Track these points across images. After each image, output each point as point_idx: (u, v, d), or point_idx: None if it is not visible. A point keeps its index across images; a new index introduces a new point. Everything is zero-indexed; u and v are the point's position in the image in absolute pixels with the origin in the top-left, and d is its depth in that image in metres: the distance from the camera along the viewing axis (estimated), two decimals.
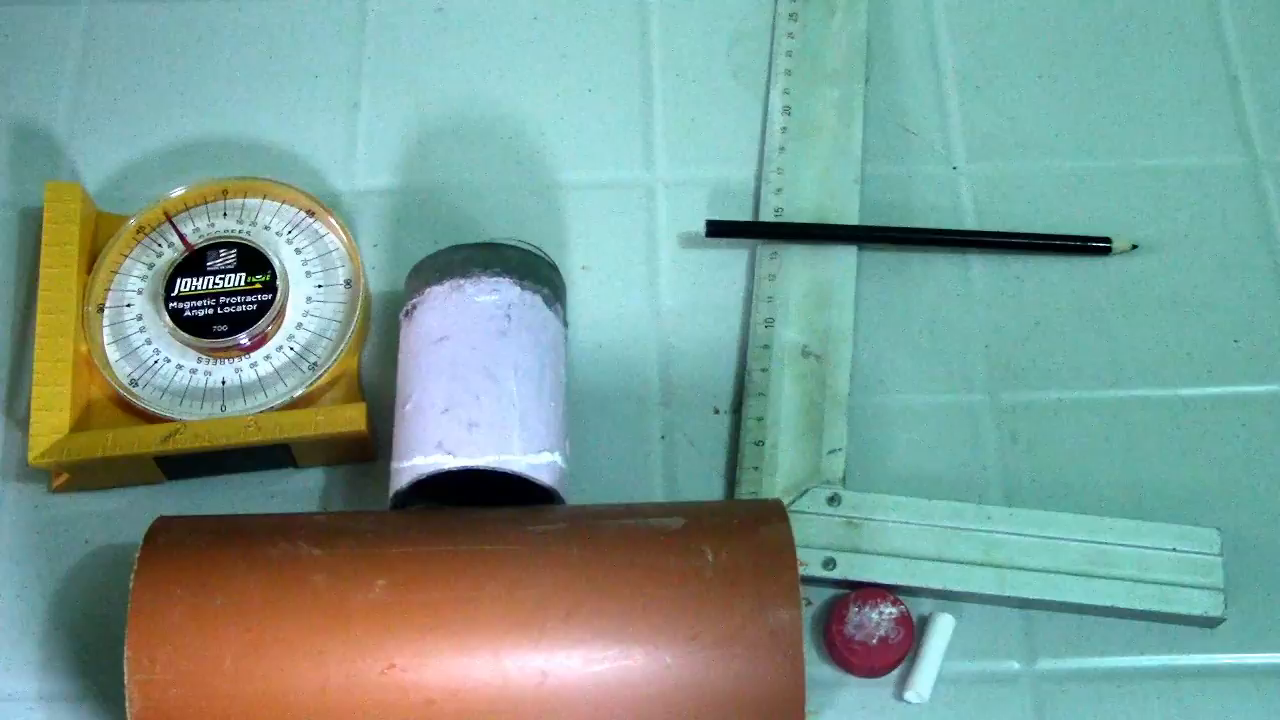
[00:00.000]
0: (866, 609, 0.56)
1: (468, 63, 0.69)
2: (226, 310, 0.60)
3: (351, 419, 0.57)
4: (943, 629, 0.56)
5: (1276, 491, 0.60)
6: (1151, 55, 0.70)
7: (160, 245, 0.62)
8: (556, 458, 0.54)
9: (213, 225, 0.62)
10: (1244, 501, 0.59)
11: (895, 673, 0.56)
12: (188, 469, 0.59)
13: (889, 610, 0.56)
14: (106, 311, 0.61)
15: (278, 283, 0.60)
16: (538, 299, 0.56)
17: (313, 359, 0.60)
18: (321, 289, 0.61)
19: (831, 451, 0.59)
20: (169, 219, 0.62)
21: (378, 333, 0.63)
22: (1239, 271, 0.64)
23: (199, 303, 0.60)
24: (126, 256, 0.62)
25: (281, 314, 0.60)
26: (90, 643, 0.57)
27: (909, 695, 0.55)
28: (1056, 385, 0.62)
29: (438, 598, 0.49)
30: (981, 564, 0.57)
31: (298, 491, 0.60)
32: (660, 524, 0.52)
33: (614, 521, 0.52)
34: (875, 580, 0.56)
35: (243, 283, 0.60)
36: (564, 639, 0.49)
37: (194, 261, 0.61)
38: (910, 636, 0.55)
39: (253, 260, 0.61)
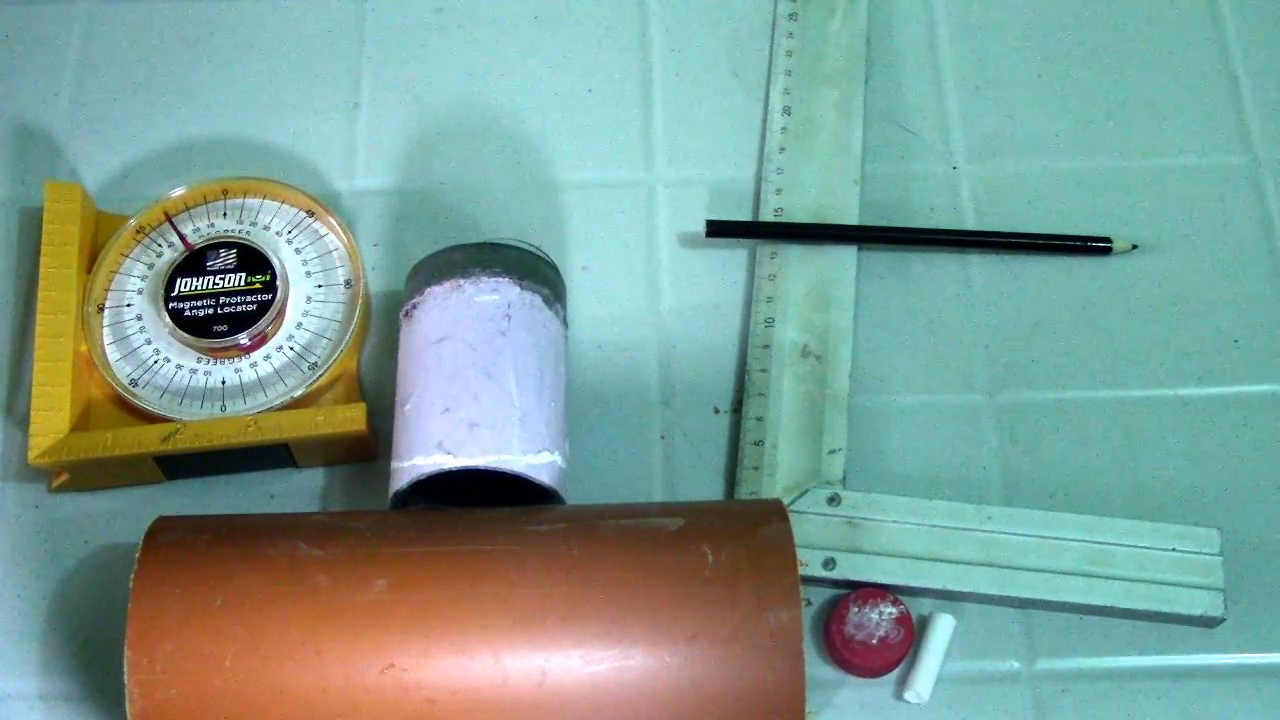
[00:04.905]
0: (866, 609, 0.56)
1: (468, 63, 0.69)
2: (226, 310, 0.60)
3: (351, 419, 0.57)
4: (943, 629, 0.56)
5: (1276, 491, 0.60)
6: (1151, 55, 0.70)
7: (160, 245, 0.62)
8: (556, 458, 0.54)
9: (213, 225, 0.62)
10: (1244, 501, 0.59)
11: (895, 673, 0.56)
12: (188, 469, 0.59)
13: (889, 610, 0.56)
14: (106, 311, 0.61)
15: (278, 283, 0.60)
16: (538, 299, 0.56)
17: (313, 359, 0.60)
18: (321, 289, 0.61)
19: (831, 451, 0.59)
20: (169, 219, 0.62)
21: (378, 333, 0.63)
22: (1239, 271, 0.64)
23: (199, 303, 0.60)
24: (126, 256, 0.62)
25: (281, 314, 0.60)
26: (90, 643, 0.57)
27: (909, 695, 0.55)
28: (1056, 385, 0.62)
29: (438, 598, 0.49)
30: (981, 564, 0.57)
31: (298, 491, 0.60)
32: (660, 524, 0.52)
33: (614, 521, 0.52)
34: (875, 580, 0.56)
35: (243, 283, 0.60)
36: (563, 639, 0.49)
37: (194, 261, 0.61)
38: (910, 636, 0.55)
39: (253, 260, 0.61)
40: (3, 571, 0.58)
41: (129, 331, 0.60)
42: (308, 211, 0.63)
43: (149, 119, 0.68)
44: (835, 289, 0.63)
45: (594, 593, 0.50)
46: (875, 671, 0.56)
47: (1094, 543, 0.57)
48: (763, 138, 0.67)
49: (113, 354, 0.60)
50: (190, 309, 0.60)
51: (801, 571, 0.52)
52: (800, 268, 0.63)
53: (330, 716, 0.49)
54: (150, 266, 0.62)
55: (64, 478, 0.58)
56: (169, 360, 0.60)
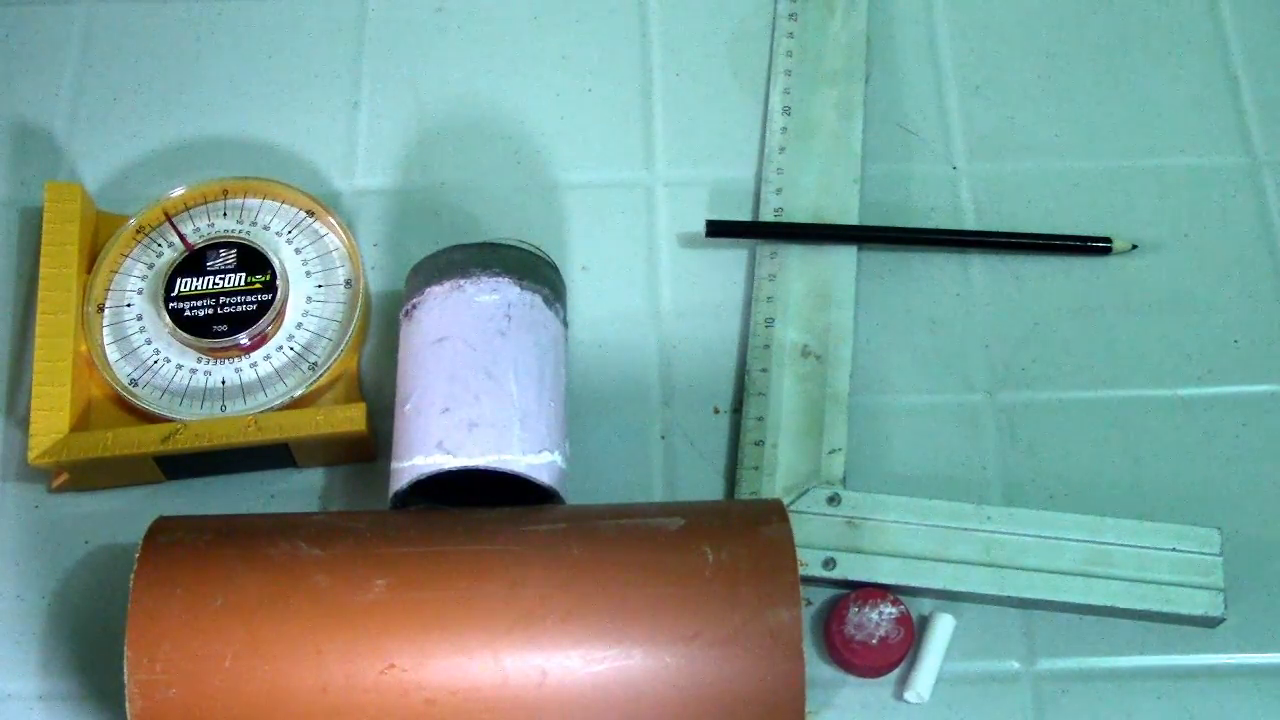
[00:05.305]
0: (866, 609, 0.56)
1: (468, 63, 0.69)
2: (226, 310, 0.60)
3: (351, 419, 0.57)
4: (943, 629, 0.56)
5: (1276, 491, 0.60)
6: (1151, 55, 0.70)
7: (160, 245, 0.62)
8: (556, 458, 0.54)
9: (213, 225, 0.62)
10: (1244, 501, 0.59)
11: (895, 673, 0.56)
12: (188, 469, 0.59)
13: (889, 610, 0.56)
14: (106, 311, 0.61)
15: (278, 283, 0.60)
16: (538, 299, 0.56)
17: (313, 359, 0.60)
18: (321, 289, 0.61)
19: (831, 451, 0.59)
20: (169, 219, 0.62)
21: (378, 333, 0.63)
22: (1239, 271, 0.64)
23: (199, 303, 0.60)
24: (126, 256, 0.62)
25: (281, 314, 0.60)
26: (90, 643, 0.57)
27: (909, 695, 0.55)
28: (1056, 385, 0.62)
29: (438, 598, 0.49)
30: (981, 564, 0.57)
31: (298, 491, 0.60)
32: (660, 524, 0.52)
33: (614, 521, 0.52)
34: (875, 580, 0.56)
35: (243, 283, 0.60)
36: (564, 639, 0.49)
37: (194, 261, 0.61)
38: (910, 636, 0.55)
39: (253, 260, 0.61)
40: (3, 571, 0.58)
41: (129, 331, 0.60)
42: (308, 211, 0.63)
43: (149, 119, 0.68)
44: (835, 289, 0.63)
45: (594, 593, 0.50)
46: (875, 671, 0.56)
47: (1094, 543, 0.57)
48: (763, 138, 0.67)
49: (113, 354, 0.60)
50: (190, 309, 0.60)
51: (801, 571, 0.52)
52: (800, 268, 0.63)
53: (330, 716, 0.49)
54: (150, 266, 0.62)
55: (64, 478, 0.58)
56: (169, 360, 0.60)
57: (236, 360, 0.60)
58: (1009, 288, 0.64)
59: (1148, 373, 0.62)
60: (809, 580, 0.57)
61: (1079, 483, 0.60)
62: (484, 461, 0.53)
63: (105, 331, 0.60)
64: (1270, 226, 0.65)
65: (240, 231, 0.62)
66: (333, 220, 0.63)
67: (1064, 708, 0.56)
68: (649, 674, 0.49)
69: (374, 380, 0.62)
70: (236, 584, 0.50)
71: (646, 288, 0.64)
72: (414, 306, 0.56)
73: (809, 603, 0.57)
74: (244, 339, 0.59)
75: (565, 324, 0.58)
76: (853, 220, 0.65)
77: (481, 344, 0.54)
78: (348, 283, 0.61)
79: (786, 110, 0.67)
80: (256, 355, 0.60)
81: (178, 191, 0.63)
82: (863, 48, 0.69)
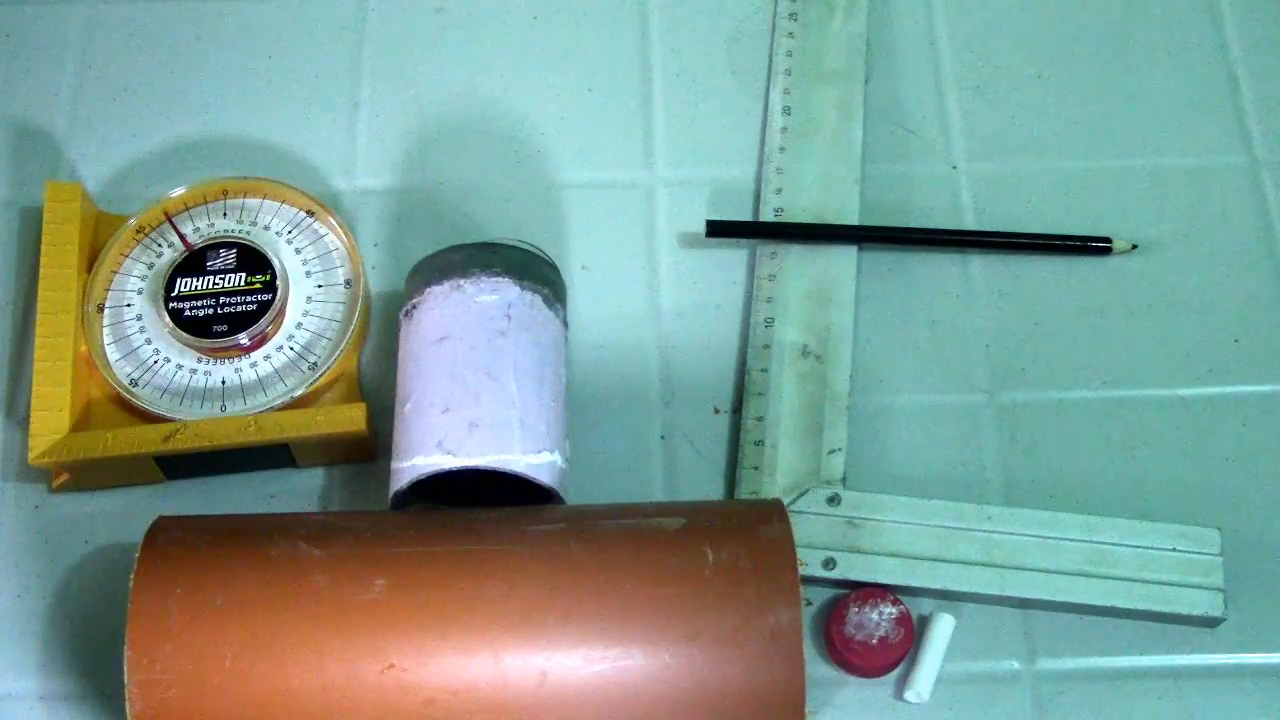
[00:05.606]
0: (866, 609, 0.56)
1: (468, 63, 0.69)
2: (226, 310, 0.60)
3: (351, 419, 0.57)
4: (943, 629, 0.56)
5: (1276, 491, 0.60)
6: (1151, 55, 0.70)
7: (160, 245, 0.62)
8: (556, 458, 0.54)
9: (213, 225, 0.62)
10: (1244, 501, 0.59)
11: (895, 673, 0.56)
12: (188, 469, 0.59)
13: (889, 610, 0.56)
14: (106, 311, 0.61)
15: (278, 283, 0.60)
16: (538, 299, 0.56)
17: (313, 359, 0.60)
18: (321, 289, 0.61)
19: (831, 451, 0.59)
20: (169, 219, 0.62)
21: (378, 333, 0.63)
22: (1239, 271, 0.64)
23: (199, 303, 0.60)
24: (126, 256, 0.62)
25: (281, 314, 0.60)
26: (90, 643, 0.57)
27: (909, 695, 0.55)
28: (1056, 385, 0.62)
29: (438, 598, 0.49)
30: (981, 564, 0.57)
31: (298, 491, 0.60)
32: (660, 524, 0.52)
33: (614, 521, 0.52)
34: (875, 580, 0.56)
35: (243, 283, 0.60)
36: (564, 639, 0.49)
37: (194, 261, 0.61)
38: (910, 636, 0.55)
39: (253, 260, 0.61)
40: (3, 571, 0.58)
41: (129, 331, 0.60)
42: (308, 211, 0.63)
43: (149, 119, 0.68)
44: (835, 289, 0.63)
45: (594, 593, 0.50)
46: (875, 671, 0.56)
47: (1094, 543, 0.57)
48: (763, 138, 0.67)
49: (113, 354, 0.60)
50: (190, 309, 0.60)
51: (801, 571, 0.52)
52: (800, 268, 0.63)
53: (330, 716, 0.49)
54: (150, 266, 0.62)
55: (64, 478, 0.58)
56: (169, 360, 0.60)
57: (236, 360, 0.60)
58: (1009, 288, 0.64)
59: (1148, 373, 0.62)
60: (809, 580, 0.57)
61: (1079, 482, 0.60)
62: (484, 461, 0.53)
63: (105, 331, 0.60)
64: (1270, 226, 0.65)
65: (240, 231, 0.62)
66: (333, 220, 0.63)
67: (1064, 708, 0.56)
68: (649, 674, 0.49)
69: (374, 380, 0.62)
70: (236, 584, 0.50)
71: (646, 288, 0.64)
72: (414, 306, 0.56)
73: (809, 603, 0.57)
74: (244, 339, 0.59)
75: (565, 324, 0.58)
76: (853, 220, 0.65)
77: (481, 344, 0.54)
78: (348, 283, 0.61)
79: (786, 110, 0.67)
80: (256, 355, 0.60)
81: (178, 191, 0.63)
82: (863, 48, 0.69)
